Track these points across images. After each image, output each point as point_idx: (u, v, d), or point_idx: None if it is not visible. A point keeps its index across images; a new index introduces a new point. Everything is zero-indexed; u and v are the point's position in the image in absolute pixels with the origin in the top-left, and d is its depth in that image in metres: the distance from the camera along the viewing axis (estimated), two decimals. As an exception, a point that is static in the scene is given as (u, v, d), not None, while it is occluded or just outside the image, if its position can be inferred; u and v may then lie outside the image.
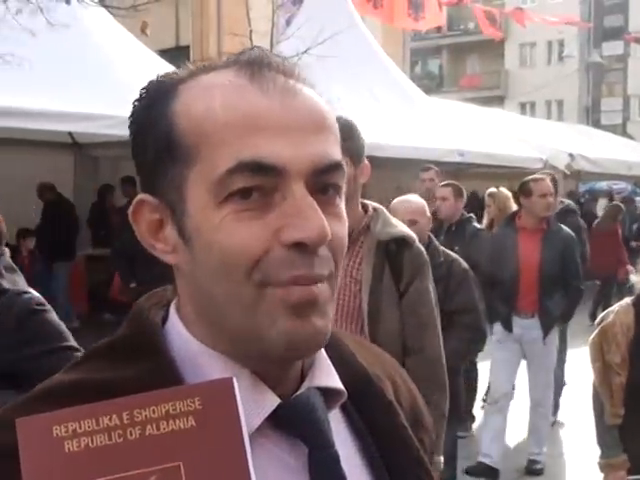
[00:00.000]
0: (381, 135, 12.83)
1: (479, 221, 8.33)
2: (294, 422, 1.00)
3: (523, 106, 48.14)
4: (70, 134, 11.70)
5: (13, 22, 8.43)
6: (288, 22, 15.42)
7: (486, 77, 52.96)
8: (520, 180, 7.03)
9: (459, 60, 55.26)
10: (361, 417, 1.10)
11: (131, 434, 0.80)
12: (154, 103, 1.01)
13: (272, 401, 0.99)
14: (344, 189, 1.01)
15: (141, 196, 1.02)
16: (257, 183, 0.93)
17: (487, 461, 6.67)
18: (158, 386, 0.92)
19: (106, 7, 10.26)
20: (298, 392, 1.02)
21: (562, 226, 7.03)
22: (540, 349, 6.79)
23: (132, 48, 11.40)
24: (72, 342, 2.95)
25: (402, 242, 3.47)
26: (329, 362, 1.08)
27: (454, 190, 7.67)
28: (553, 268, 6.66)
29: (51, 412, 0.81)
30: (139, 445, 0.80)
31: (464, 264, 5.33)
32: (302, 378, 1.05)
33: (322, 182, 0.97)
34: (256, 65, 0.98)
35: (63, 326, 3.00)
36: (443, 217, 7.67)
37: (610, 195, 22.62)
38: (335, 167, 0.98)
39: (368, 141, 11.16)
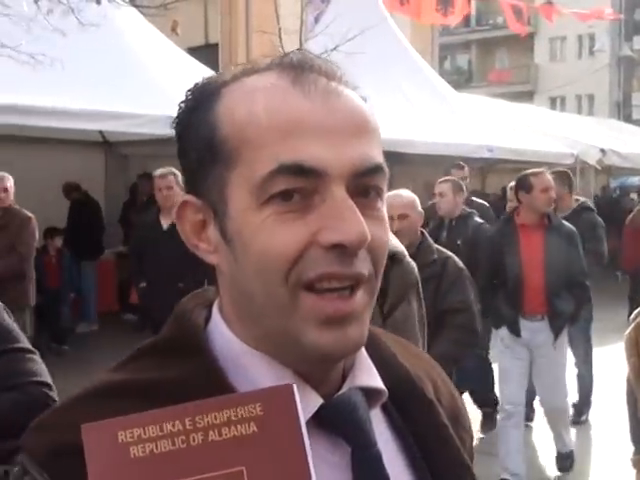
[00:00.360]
0: (410, 131, 12.82)
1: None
2: (337, 422, 1.01)
3: (553, 101, 47.62)
4: (101, 132, 11.78)
5: (44, 22, 8.48)
6: (317, 19, 15.38)
7: (515, 72, 52.33)
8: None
9: (488, 55, 54.71)
10: (402, 417, 1.11)
11: (194, 440, 0.81)
12: (198, 106, 1.03)
13: (315, 401, 1.00)
14: (386, 191, 1.02)
15: (185, 197, 1.04)
16: (298, 185, 0.94)
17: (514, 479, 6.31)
18: (202, 387, 0.94)
19: (136, 6, 10.28)
20: (340, 392, 1.03)
21: (563, 221, 6.72)
22: (550, 352, 6.37)
23: (162, 47, 11.45)
24: (24, 344, 2.77)
25: (390, 258, 3.00)
26: (370, 362, 1.09)
27: (453, 186, 7.55)
28: (559, 265, 6.30)
29: (116, 418, 0.82)
30: (202, 450, 0.81)
31: (459, 263, 5.08)
32: (344, 378, 1.05)
33: (363, 185, 0.97)
34: (299, 68, 0.99)
35: (14, 326, 2.82)
36: (443, 213, 7.60)
37: (641, 191, 22.45)
38: (376, 170, 0.99)
39: (397, 137, 11.20)
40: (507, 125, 16.24)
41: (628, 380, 3.90)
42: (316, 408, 0.99)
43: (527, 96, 45.41)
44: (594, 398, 8.39)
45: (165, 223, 7.42)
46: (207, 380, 0.97)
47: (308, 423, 0.96)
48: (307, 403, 0.98)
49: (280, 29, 9.84)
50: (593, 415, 8.35)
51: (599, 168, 16.68)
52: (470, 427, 1.25)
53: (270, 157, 0.94)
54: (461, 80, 48.04)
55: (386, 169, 1.01)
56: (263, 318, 0.99)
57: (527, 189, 6.35)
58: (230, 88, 1.01)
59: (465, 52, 54.96)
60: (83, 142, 12.18)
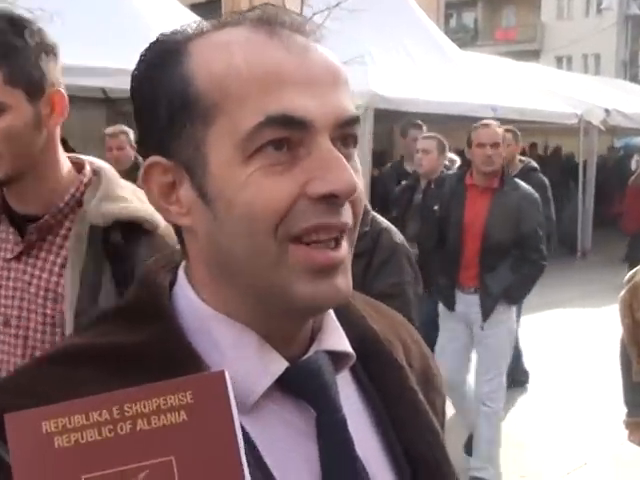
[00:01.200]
0: (413, 90, 12.74)
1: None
2: (302, 386, 1.01)
3: (559, 60, 47.20)
4: (102, 89, 11.73)
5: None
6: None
7: (522, 30, 52.03)
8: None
9: (494, 13, 54.34)
10: (370, 380, 1.11)
11: (122, 429, 0.80)
12: (161, 62, 0.99)
13: (280, 364, 0.99)
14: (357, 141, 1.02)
15: (152, 158, 1.00)
16: (286, 135, 0.93)
17: (483, 475, 5.71)
18: (165, 350, 0.95)
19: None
20: (306, 355, 1.03)
21: (523, 186, 5.83)
22: (487, 332, 5.63)
23: (164, 2, 11.37)
24: None
25: (134, 229, 2.05)
26: (338, 325, 1.08)
27: (438, 143, 7.06)
28: (501, 236, 5.53)
29: (40, 407, 0.80)
30: (130, 440, 0.79)
31: (396, 237, 4.04)
32: (311, 341, 1.05)
33: (343, 134, 0.98)
34: (272, 23, 0.98)
35: None
36: (423, 171, 6.99)
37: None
38: (355, 120, 0.99)
39: (400, 96, 11.09)
40: (512, 84, 16.09)
41: (622, 341, 3.91)
42: (281, 371, 0.99)
43: (533, 55, 45.06)
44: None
45: None
46: (170, 343, 0.96)
47: (273, 387, 0.99)
48: (272, 366, 0.99)
49: (282, -15, 9.75)
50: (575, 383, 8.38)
51: (603, 128, 16.55)
52: (441, 387, 1.24)
53: (255, 109, 0.92)
54: (467, 38, 47.72)
55: (360, 120, 1.01)
56: (244, 276, 0.97)
57: (468, 144, 5.74)
58: (198, 42, 0.99)
59: (471, 10, 54.62)
60: (84, 98, 12.12)
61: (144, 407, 0.80)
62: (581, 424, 7.20)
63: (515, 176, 6.75)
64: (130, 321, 1.01)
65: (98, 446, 0.79)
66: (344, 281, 0.98)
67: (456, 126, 17.52)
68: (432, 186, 6.68)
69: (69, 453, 0.78)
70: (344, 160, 0.95)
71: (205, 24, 1.02)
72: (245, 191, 0.93)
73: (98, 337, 1.00)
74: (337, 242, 0.97)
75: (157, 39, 1.03)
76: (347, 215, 0.97)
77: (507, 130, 7.18)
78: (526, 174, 7.54)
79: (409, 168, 8.19)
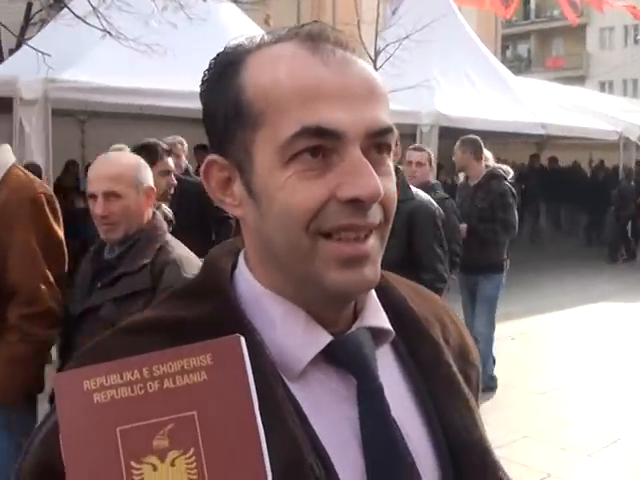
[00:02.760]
0: (473, 110, 12.61)
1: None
2: (344, 357, 1.00)
3: (602, 85, 46.52)
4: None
5: (159, 17, 8.61)
6: (394, 11, 15.19)
7: (569, 59, 51.45)
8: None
9: (545, 44, 53.78)
10: (410, 354, 1.09)
11: (151, 387, 0.80)
12: (224, 72, 0.99)
13: (325, 337, 0.99)
14: (393, 149, 0.99)
15: (211, 157, 1.01)
16: (320, 144, 0.91)
17: None
18: (224, 323, 0.93)
19: (235, 2, 10.32)
20: (349, 331, 1.02)
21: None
22: None
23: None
24: None
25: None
26: (379, 304, 1.07)
27: (428, 155, 6.51)
28: (391, 255, 4.60)
29: (82, 368, 0.82)
30: (158, 397, 0.80)
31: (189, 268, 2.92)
32: (355, 319, 1.04)
33: (375, 144, 0.95)
34: (316, 38, 0.95)
35: None
36: (417, 183, 5.89)
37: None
38: (387, 131, 0.96)
39: (462, 115, 11.05)
40: (560, 105, 15.95)
41: None
42: (326, 343, 0.98)
43: (579, 81, 44.38)
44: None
45: None
46: (228, 317, 0.96)
47: (319, 358, 0.98)
48: (318, 339, 0.98)
49: (359, 21, 9.69)
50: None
51: (639, 144, 16.41)
52: (476, 361, 1.21)
53: (293, 120, 0.91)
54: (521, 66, 47.25)
55: (395, 129, 0.98)
56: (285, 265, 0.97)
57: None
58: (254, 56, 0.97)
59: (525, 41, 54.07)
60: (193, 120, 12.26)
61: (170, 368, 0.80)
62: (615, 404, 6.99)
63: (479, 182, 6.55)
64: (194, 298, 1.01)
65: (130, 402, 0.80)
66: (371, 271, 0.96)
67: (512, 141, 17.45)
68: None
69: (106, 408, 0.79)
70: (371, 168, 0.92)
71: (264, 38, 1.00)
72: (282, 192, 0.92)
73: (167, 311, 1.01)
74: (366, 237, 0.95)
75: (222, 51, 1.02)
76: (374, 216, 0.95)
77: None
78: (488, 181, 6.98)
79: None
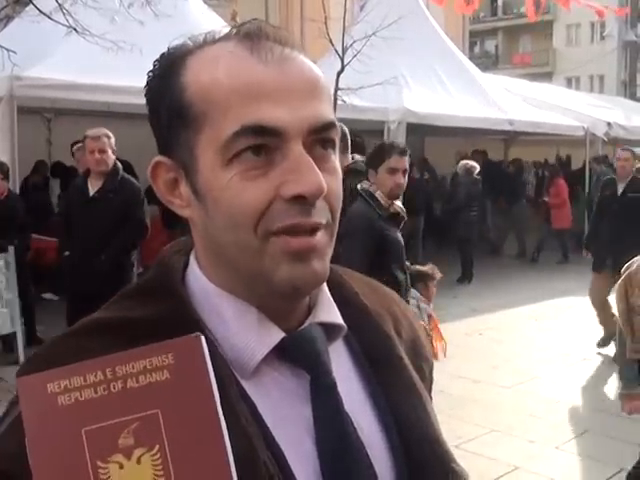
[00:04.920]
0: (441, 106, 12.66)
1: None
2: (297, 354, 1.00)
3: (569, 81, 46.83)
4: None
5: (125, 14, 8.55)
6: (361, 8, 15.20)
7: (536, 55, 51.84)
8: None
9: (513, 40, 54.05)
10: (362, 348, 1.10)
11: (114, 387, 0.81)
12: (165, 74, 0.98)
13: (277, 334, 0.99)
14: (337, 144, 0.99)
15: (157, 158, 1.01)
16: (262, 142, 0.91)
17: None
18: (175, 323, 0.93)
19: (202, -2, 10.29)
20: (301, 327, 1.02)
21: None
22: None
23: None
24: None
25: None
26: (331, 300, 1.07)
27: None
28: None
29: (44, 371, 0.82)
30: (122, 397, 0.80)
31: None
32: (307, 315, 1.04)
33: (318, 140, 0.95)
34: (255, 36, 0.95)
35: None
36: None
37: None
38: (329, 126, 0.96)
39: (429, 112, 11.07)
40: (527, 102, 16.05)
41: (618, 324, 3.90)
42: (278, 340, 0.98)
43: (546, 77, 44.76)
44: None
45: (92, 189, 6.34)
46: (180, 317, 0.96)
47: (271, 355, 0.98)
48: (270, 336, 0.98)
49: (326, 17, 9.68)
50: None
51: (605, 140, 16.57)
52: (429, 356, 1.22)
53: (233, 119, 0.91)
54: (488, 63, 47.47)
55: (337, 124, 0.97)
56: (235, 264, 0.97)
57: None
58: (195, 56, 0.97)
59: (492, 38, 54.36)
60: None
61: (132, 368, 0.81)
62: (581, 397, 7.06)
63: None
64: (146, 298, 1.01)
65: (95, 403, 0.80)
66: (320, 265, 0.96)
67: (480, 138, 17.54)
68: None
69: (71, 409, 0.80)
70: (313, 164, 0.92)
71: (205, 37, 0.99)
72: (227, 192, 0.92)
73: (118, 311, 1.00)
74: (313, 231, 0.94)
75: (165, 52, 1.01)
76: (320, 215, 0.95)
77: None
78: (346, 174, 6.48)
79: None
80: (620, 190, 8.72)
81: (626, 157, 8.84)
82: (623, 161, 8.82)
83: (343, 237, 4.52)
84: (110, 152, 6.25)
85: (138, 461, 0.79)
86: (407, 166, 4.72)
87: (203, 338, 0.83)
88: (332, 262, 1.01)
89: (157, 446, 0.79)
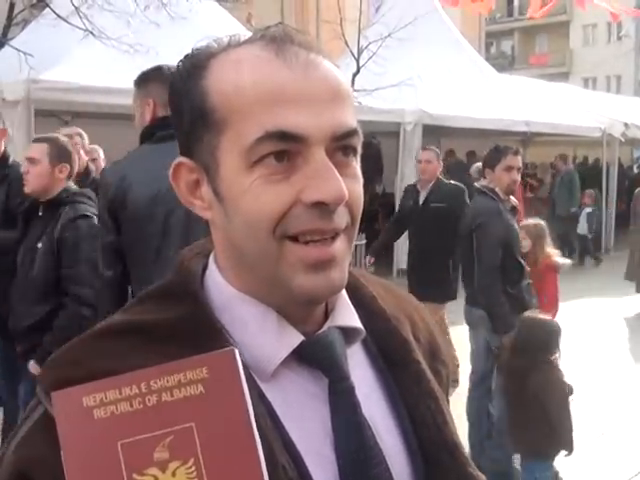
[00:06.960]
0: (457, 108, 12.62)
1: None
2: (315, 357, 1.00)
3: (586, 81, 46.64)
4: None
5: (142, 17, 8.59)
6: (377, 9, 15.19)
7: (553, 55, 51.66)
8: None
9: (529, 41, 53.91)
10: (380, 352, 1.09)
11: (149, 401, 0.81)
12: (189, 76, 0.98)
13: (296, 338, 0.99)
14: (359, 150, 0.99)
15: (179, 159, 1.00)
16: (284, 148, 0.91)
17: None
18: (195, 326, 0.94)
19: (218, 0, 10.31)
20: (320, 331, 1.02)
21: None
22: None
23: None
24: None
25: None
26: (350, 303, 1.07)
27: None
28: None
29: (81, 385, 0.82)
30: (157, 410, 0.81)
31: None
32: (326, 319, 1.04)
33: (340, 146, 0.94)
34: (280, 41, 0.95)
35: None
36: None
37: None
38: (351, 133, 0.95)
39: (445, 113, 11.04)
40: (544, 103, 15.97)
41: None
42: (297, 343, 0.98)
43: (563, 77, 44.51)
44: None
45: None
46: (200, 320, 0.96)
47: (290, 357, 0.98)
48: (289, 339, 0.98)
49: (341, 19, 9.69)
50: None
51: (623, 140, 16.52)
52: (447, 360, 1.22)
53: (256, 125, 0.90)
54: (505, 63, 47.33)
55: (360, 131, 0.97)
56: (254, 267, 0.97)
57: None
58: (218, 58, 0.97)
59: (509, 38, 54.22)
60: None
61: (167, 382, 0.82)
62: (600, 400, 7.03)
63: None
64: (165, 301, 1.00)
65: (130, 416, 0.81)
66: (338, 274, 0.95)
67: (496, 139, 17.49)
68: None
69: (106, 423, 0.80)
70: (335, 171, 0.92)
71: (230, 40, 0.99)
72: (247, 195, 0.92)
73: (136, 314, 1.00)
74: (333, 239, 0.94)
75: (189, 53, 1.01)
76: (340, 220, 0.94)
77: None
78: None
79: None
80: (422, 199, 7.29)
81: (428, 158, 7.26)
82: (425, 163, 7.24)
83: (475, 229, 4.95)
84: (82, 152, 5.73)
85: (173, 474, 0.79)
86: (520, 164, 5.21)
87: (237, 352, 0.83)
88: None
89: (192, 459, 0.80)
